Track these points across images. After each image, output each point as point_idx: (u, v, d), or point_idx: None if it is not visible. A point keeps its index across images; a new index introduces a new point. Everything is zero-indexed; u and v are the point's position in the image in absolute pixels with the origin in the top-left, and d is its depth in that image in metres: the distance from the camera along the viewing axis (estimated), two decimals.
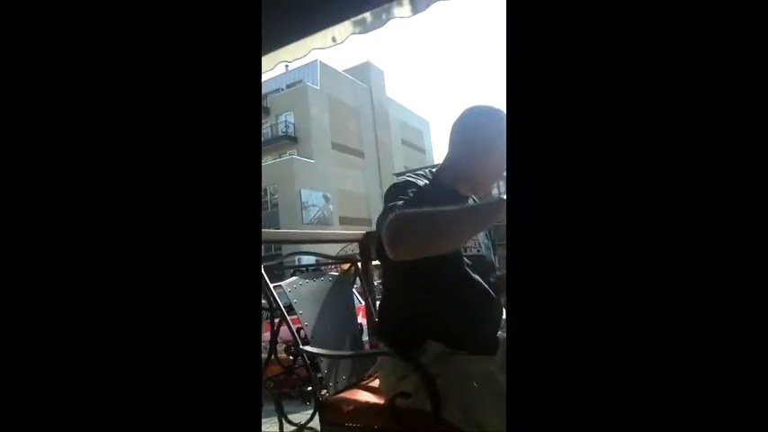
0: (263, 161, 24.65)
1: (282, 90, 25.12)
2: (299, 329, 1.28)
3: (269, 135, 24.97)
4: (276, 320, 1.34)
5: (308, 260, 2.37)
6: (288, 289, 1.32)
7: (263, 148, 24.83)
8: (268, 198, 22.94)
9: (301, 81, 24.68)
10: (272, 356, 1.34)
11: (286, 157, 23.52)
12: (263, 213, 22.25)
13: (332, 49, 2.02)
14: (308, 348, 1.22)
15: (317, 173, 23.25)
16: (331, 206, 23.72)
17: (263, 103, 24.99)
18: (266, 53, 2.11)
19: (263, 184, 22.03)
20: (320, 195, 23.25)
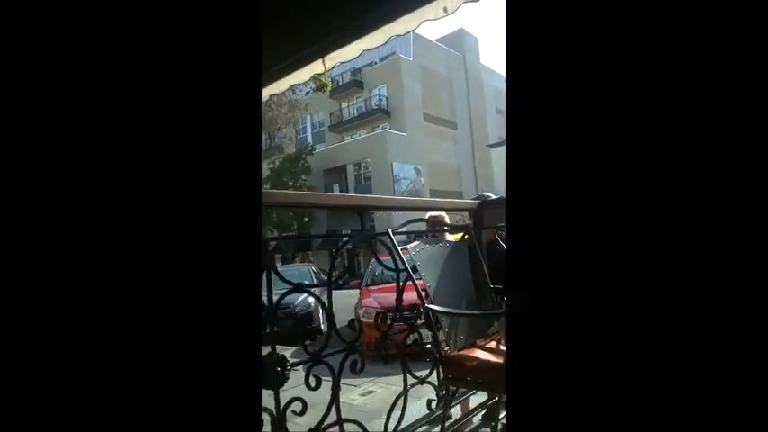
0: (356, 135, 25.18)
1: (376, 63, 25.27)
2: (423, 289, 1.37)
3: (363, 109, 25.45)
4: (401, 283, 1.45)
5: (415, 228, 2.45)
6: (412, 252, 1.42)
7: (357, 122, 25.42)
8: (361, 172, 23.57)
9: (394, 53, 24.59)
10: (398, 314, 1.46)
11: (378, 131, 23.84)
12: (358, 186, 22.98)
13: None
14: (432, 307, 1.31)
15: (409, 145, 23.30)
16: (422, 179, 23.74)
17: (357, 78, 25.39)
18: (377, 27, 2.18)
19: (357, 158, 22.46)
20: (411, 168, 23.34)
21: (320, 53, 2.40)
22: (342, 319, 1.42)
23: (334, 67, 2.61)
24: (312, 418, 1.16)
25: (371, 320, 1.44)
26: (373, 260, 1.51)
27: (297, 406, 1.13)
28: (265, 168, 24.39)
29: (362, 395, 3.39)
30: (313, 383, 1.17)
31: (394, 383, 4.57)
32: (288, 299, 1.13)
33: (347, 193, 22.64)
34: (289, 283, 1.14)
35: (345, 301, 1.27)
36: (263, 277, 1.10)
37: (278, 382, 1.08)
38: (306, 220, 21.73)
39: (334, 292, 1.28)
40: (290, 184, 21.47)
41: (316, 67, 2.53)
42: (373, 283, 6.61)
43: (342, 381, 1.22)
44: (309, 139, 26.66)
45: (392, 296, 5.52)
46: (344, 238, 1.43)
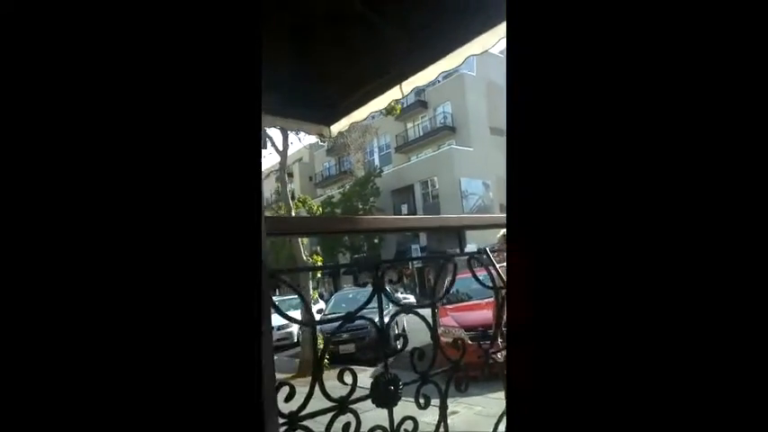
0: (422, 154, 25.26)
1: (439, 82, 25.43)
2: None
3: (428, 128, 25.61)
4: (500, 300, 1.44)
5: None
6: (502, 270, 1.41)
7: (423, 141, 25.58)
8: (429, 190, 23.58)
9: (457, 70, 24.62)
10: (499, 332, 1.45)
11: (444, 148, 23.80)
12: (426, 205, 22.97)
13: None
14: None
15: (476, 160, 22.98)
16: (491, 193, 23.23)
17: (421, 98, 25.66)
18: (455, 49, 2.22)
19: (424, 177, 22.42)
20: (479, 183, 22.95)
21: (398, 79, 2.48)
22: (419, 340, 1.44)
23: (411, 92, 2.69)
24: None
25: (450, 340, 1.44)
26: (447, 278, 1.50)
27: (409, 425, 1.16)
28: (336, 193, 25.18)
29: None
30: (423, 402, 1.19)
31: (477, 404, 4.46)
32: (363, 321, 1.16)
33: (415, 212, 22.72)
34: (396, 304, 1.19)
35: (419, 321, 1.27)
36: (375, 299, 1.16)
37: (392, 400, 1.12)
38: (375, 240, 22.05)
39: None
40: (360, 206, 21.98)
41: (393, 94, 2.61)
42: (448, 302, 6.55)
43: (421, 400, 1.23)
44: (377, 162, 27.22)
45: (471, 315, 5.40)
46: (450, 257, 1.44)
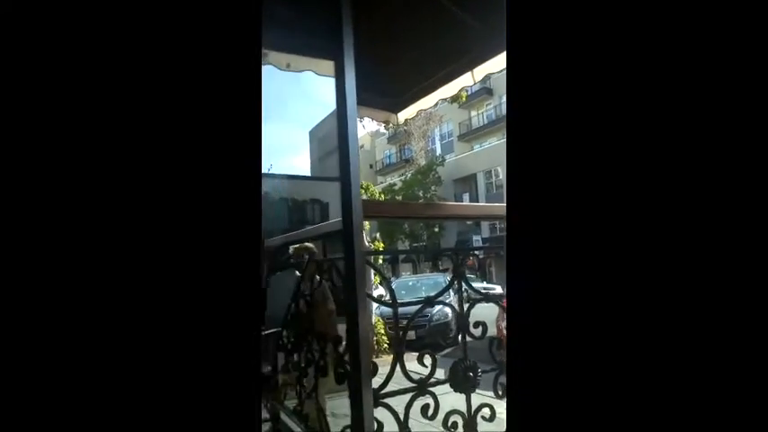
0: (486, 143, 24.61)
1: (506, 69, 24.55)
2: None
3: (493, 116, 24.89)
4: None
5: None
6: None
7: (487, 129, 24.93)
8: (492, 180, 23.00)
9: None
10: None
11: None
12: (489, 195, 22.44)
13: None
14: None
15: None
16: None
17: (487, 85, 24.94)
18: (499, 52, 2.13)
19: (487, 166, 21.86)
20: None
21: (469, 66, 2.43)
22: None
23: (483, 79, 2.62)
24: (496, 426, 1.18)
25: None
26: None
27: (486, 412, 1.16)
28: (397, 181, 25.27)
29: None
30: (501, 391, 1.18)
31: None
32: (426, 308, 1.16)
33: (477, 202, 22.27)
34: (478, 292, 1.19)
35: (482, 314, 1.24)
36: (409, 287, 1.16)
37: (470, 386, 1.13)
38: (436, 230, 21.93)
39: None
40: (421, 195, 21.90)
41: (464, 80, 2.56)
42: None
43: (488, 393, 1.21)
44: (438, 151, 26.93)
45: None
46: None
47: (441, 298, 1.17)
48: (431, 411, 1.04)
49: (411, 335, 7.87)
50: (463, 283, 1.16)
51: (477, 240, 21.04)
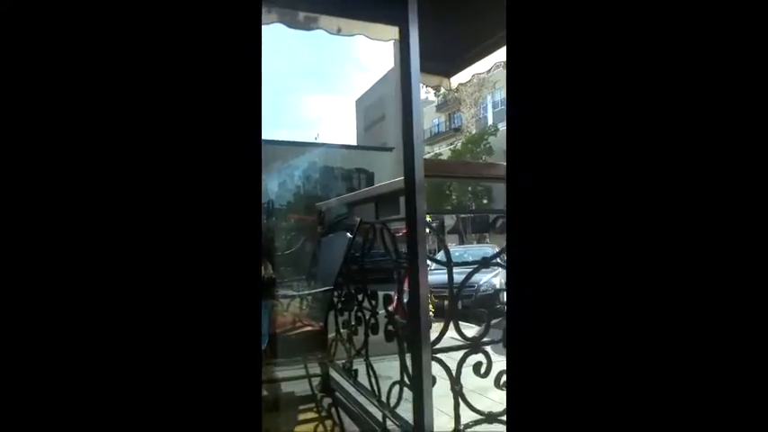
0: None
1: None
2: None
3: None
4: None
5: None
6: None
7: None
8: None
9: None
10: None
11: None
12: None
13: None
14: None
15: None
16: None
17: None
18: None
19: None
20: None
21: None
22: None
23: None
24: None
25: None
26: None
27: None
28: (446, 150, 24.85)
29: None
30: None
31: None
32: (474, 278, 1.15)
33: None
34: None
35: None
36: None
37: None
38: (485, 201, 21.53)
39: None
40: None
41: None
42: None
43: None
44: (490, 120, 26.08)
45: None
46: None
47: (499, 263, 1.15)
48: (483, 369, 1.05)
49: (458, 304, 7.90)
50: None
51: None
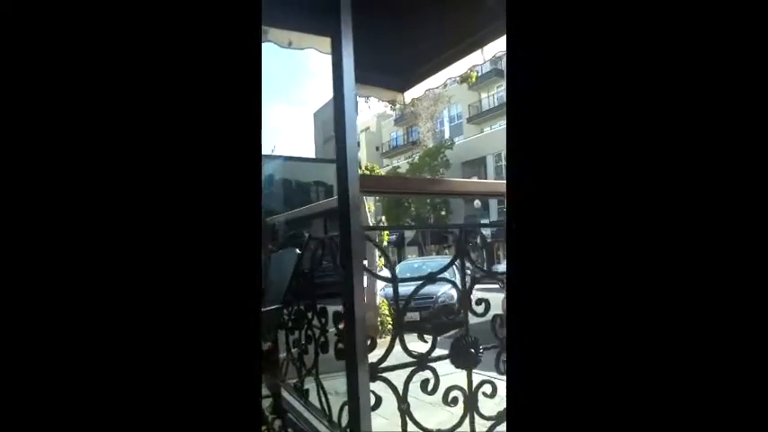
0: (496, 126, 24.32)
1: None
2: None
3: (503, 98, 24.53)
4: None
5: None
6: None
7: (497, 112, 24.60)
8: (502, 163, 22.81)
9: None
10: None
11: None
12: (498, 178, 22.28)
13: None
14: None
15: None
16: None
17: (498, 66, 24.53)
18: None
19: (497, 149, 21.68)
20: None
21: (480, 43, 2.37)
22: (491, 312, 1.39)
23: (493, 57, 2.56)
24: (496, 404, 1.18)
25: None
26: None
27: (487, 388, 1.15)
28: (404, 164, 25.15)
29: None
30: (502, 368, 1.18)
31: None
32: (430, 290, 1.15)
33: None
34: (486, 272, 1.17)
35: (488, 296, 1.21)
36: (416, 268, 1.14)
37: (471, 362, 1.12)
38: (443, 213, 21.89)
39: (476, 286, 1.26)
40: (429, 178, 21.81)
41: (474, 59, 2.50)
42: None
43: (488, 374, 1.21)
44: (447, 133, 26.69)
45: None
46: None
47: (446, 278, 1.15)
48: (431, 386, 1.03)
49: (416, 316, 7.95)
50: (467, 262, 1.15)
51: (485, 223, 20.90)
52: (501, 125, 24.11)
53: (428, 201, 20.52)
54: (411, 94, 2.97)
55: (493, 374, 1.18)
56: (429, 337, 1.09)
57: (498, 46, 2.38)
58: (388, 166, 27.77)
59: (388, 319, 6.38)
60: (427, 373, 1.06)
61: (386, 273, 1.61)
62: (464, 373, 1.13)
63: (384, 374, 0.98)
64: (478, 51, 2.48)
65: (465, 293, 1.15)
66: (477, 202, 19.33)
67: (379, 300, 6.35)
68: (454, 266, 1.17)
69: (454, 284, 1.15)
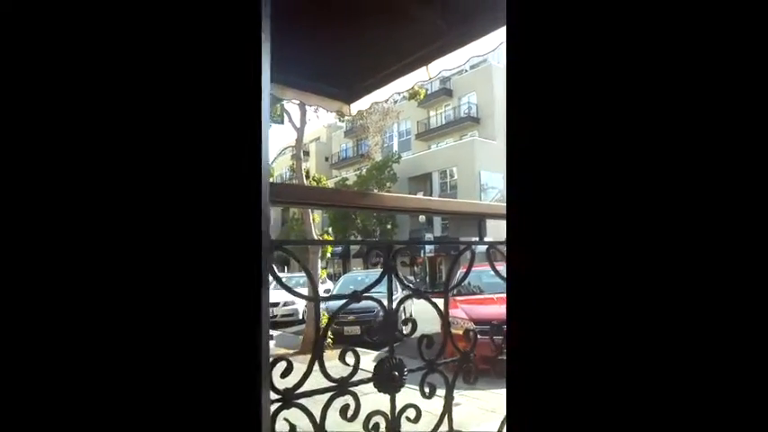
0: (443, 143, 25.03)
1: (466, 71, 25.03)
2: None
3: (451, 117, 25.31)
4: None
5: None
6: None
7: (445, 130, 25.30)
8: (447, 180, 23.40)
9: (486, 60, 24.14)
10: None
11: (467, 139, 23.51)
12: (443, 194, 22.82)
13: None
14: None
15: (498, 154, 22.62)
16: None
17: (447, 86, 25.30)
18: (488, 32, 2.12)
19: (443, 166, 22.29)
20: (500, 177, 22.66)
21: (425, 60, 2.39)
22: (426, 330, 1.37)
23: (438, 76, 2.60)
24: (421, 426, 1.14)
25: (459, 332, 1.39)
26: (461, 270, 1.42)
27: (411, 412, 1.11)
28: (352, 176, 25.14)
29: None
30: (428, 391, 1.14)
31: (480, 398, 4.44)
32: (370, 303, 1.11)
33: None
34: (408, 288, 1.13)
35: (427, 311, 1.21)
36: (385, 280, 1.10)
37: (395, 386, 1.07)
38: (388, 226, 22.04)
39: (415, 301, 1.24)
40: (376, 191, 21.94)
41: (419, 75, 2.53)
42: (459, 294, 6.49)
43: (426, 389, 1.18)
44: (395, 148, 27.04)
45: (482, 309, 5.40)
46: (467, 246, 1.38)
47: (372, 296, 1.11)
48: (350, 412, 0.98)
49: (356, 329, 7.87)
50: (396, 279, 1.11)
51: (429, 238, 21.34)
52: (447, 143, 24.80)
53: (374, 214, 20.59)
54: (357, 106, 2.96)
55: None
56: (351, 359, 1.04)
57: (443, 63, 2.41)
58: (336, 177, 27.64)
59: (330, 333, 6.25)
60: (348, 398, 1.00)
61: (326, 286, 1.54)
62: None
63: (300, 401, 0.91)
64: (424, 68, 2.51)
65: (390, 313, 1.10)
66: (422, 217, 19.62)
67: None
68: (397, 283, 1.13)
69: (380, 303, 1.10)
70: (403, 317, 1.31)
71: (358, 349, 1.11)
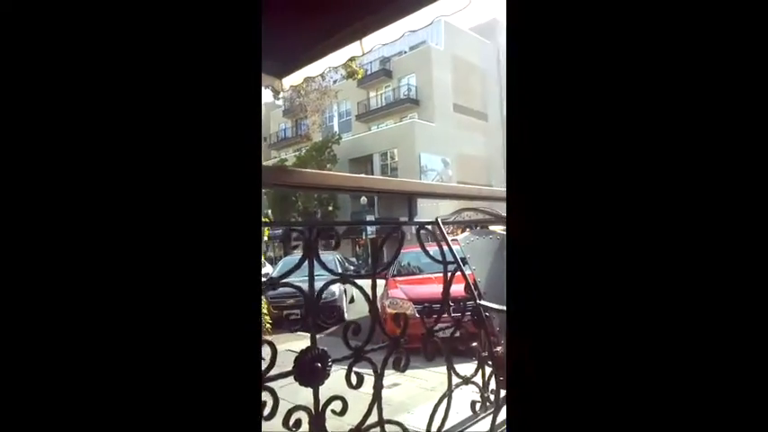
0: (384, 125, 25.05)
1: (405, 52, 24.99)
2: (474, 284, 1.26)
3: (391, 98, 25.26)
4: (449, 274, 1.34)
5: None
6: (463, 244, 1.31)
7: (385, 111, 25.26)
8: (388, 162, 23.46)
9: (425, 42, 24.23)
10: (444, 308, 1.36)
11: (407, 121, 23.62)
12: (384, 177, 22.89)
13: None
14: (485, 303, 1.20)
15: (438, 136, 23.01)
16: (450, 171, 23.44)
17: (386, 67, 25.16)
18: (423, 6, 2.07)
19: (384, 148, 22.38)
20: (439, 159, 23.07)
21: (359, 34, 2.30)
22: (364, 310, 1.32)
23: (372, 50, 2.51)
24: (351, 416, 1.08)
25: (395, 311, 1.35)
26: (402, 250, 1.37)
27: (337, 405, 1.04)
28: (291, 156, 24.53)
29: (387, 387, 3.33)
30: (354, 381, 1.08)
31: (419, 377, 4.51)
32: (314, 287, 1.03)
33: None
34: (331, 272, 1.05)
35: (368, 292, 1.17)
36: (306, 265, 1.02)
37: (317, 378, 1.00)
38: (330, 208, 21.81)
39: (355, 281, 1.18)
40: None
41: (353, 50, 2.43)
42: (399, 274, 6.54)
43: (367, 371, 1.12)
44: (336, 129, 26.63)
45: (421, 288, 5.50)
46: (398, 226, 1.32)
47: (290, 282, 1.02)
48: (267, 410, 0.89)
49: (298, 313, 7.74)
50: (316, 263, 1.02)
51: (370, 219, 21.37)
52: (387, 124, 24.79)
53: (315, 195, 20.27)
54: (290, 81, 2.84)
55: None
56: (267, 353, 0.94)
57: (377, 38, 2.33)
58: (276, 158, 26.84)
59: (267, 317, 6.09)
60: (264, 395, 0.91)
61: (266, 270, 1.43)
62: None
63: None
64: (357, 42, 2.42)
65: (311, 299, 1.02)
66: (363, 199, 19.60)
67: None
68: (338, 265, 1.05)
69: (300, 289, 1.02)
70: (345, 303, 1.23)
71: (302, 334, 1.02)
